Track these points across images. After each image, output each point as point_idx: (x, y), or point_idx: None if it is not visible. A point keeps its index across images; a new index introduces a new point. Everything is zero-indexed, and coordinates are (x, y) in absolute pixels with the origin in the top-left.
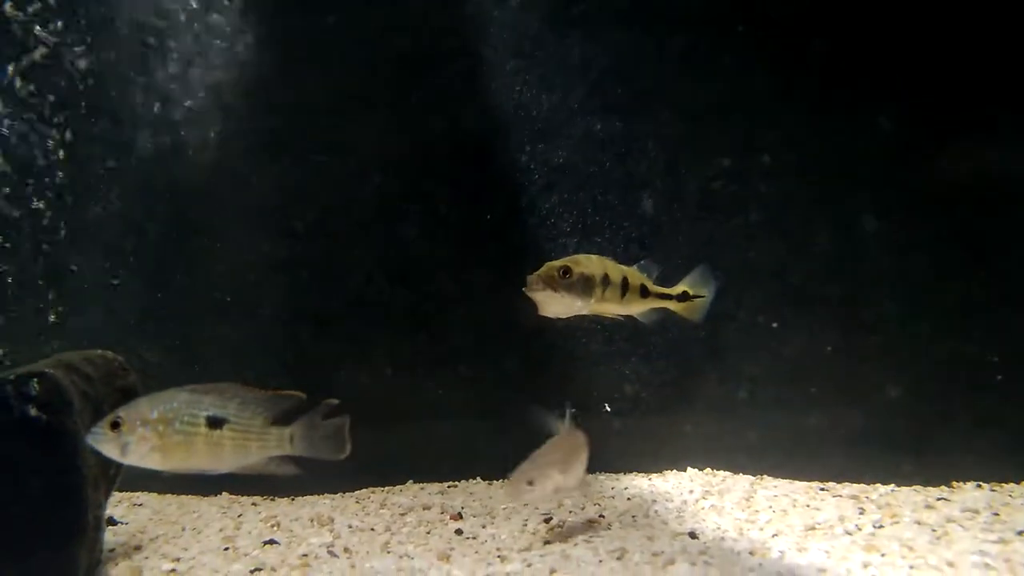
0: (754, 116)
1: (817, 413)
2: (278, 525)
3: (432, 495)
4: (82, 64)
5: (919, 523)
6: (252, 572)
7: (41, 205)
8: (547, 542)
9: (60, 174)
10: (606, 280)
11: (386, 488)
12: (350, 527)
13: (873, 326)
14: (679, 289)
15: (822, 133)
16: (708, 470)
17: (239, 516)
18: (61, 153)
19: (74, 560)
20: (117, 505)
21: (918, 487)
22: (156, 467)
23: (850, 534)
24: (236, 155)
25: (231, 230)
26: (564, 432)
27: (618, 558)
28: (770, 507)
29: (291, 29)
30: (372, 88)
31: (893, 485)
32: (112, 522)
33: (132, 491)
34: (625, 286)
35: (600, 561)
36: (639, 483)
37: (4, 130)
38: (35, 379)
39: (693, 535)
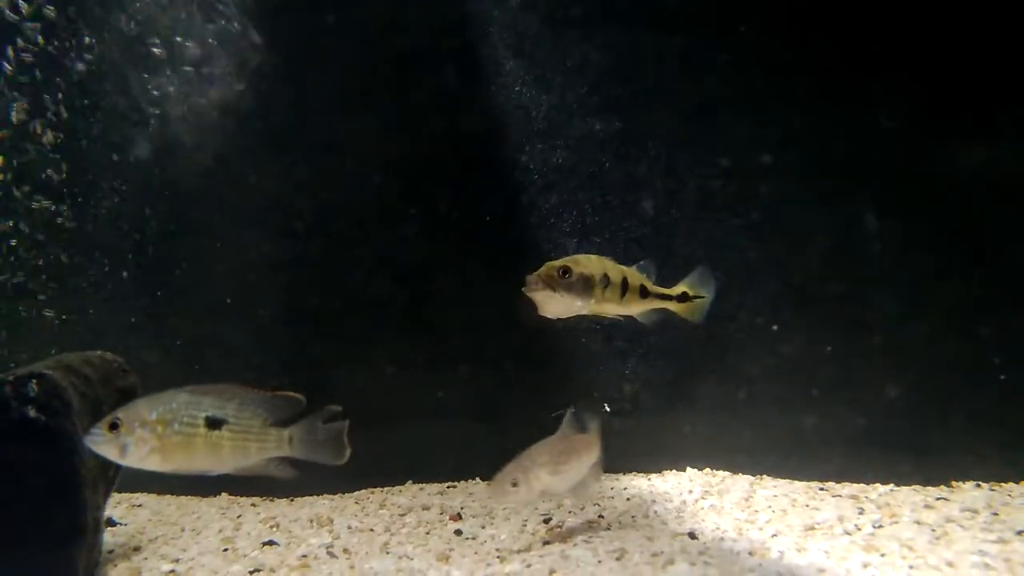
0: (754, 115)
1: (816, 413)
2: (277, 526)
3: (431, 496)
4: (80, 64)
5: (919, 523)
6: (251, 573)
7: (39, 205)
8: (546, 542)
9: (58, 174)
10: (606, 280)
11: (385, 489)
12: (349, 528)
13: (872, 326)
14: (679, 290)
15: (822, 132)
16: (707, 470)
17: (238, 517)
18: (59, 153)
19: (73, 561)
20: (116, 506)
21: (917, 487)
22: (155, 468)
23: (849, 534)
24: (236, 155)
25: (231, 230)
26: (559, 432)
27: (617, 558)
28: (769, 507)
29: (291, 29)
30: (372, 88)
31: (892, 485)
32: (111, 523)
33: (131, 492)
34: (625, 286)
35: (599, 561)
36: (638, 483)
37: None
38: (34, 380)
39: (692, 535)
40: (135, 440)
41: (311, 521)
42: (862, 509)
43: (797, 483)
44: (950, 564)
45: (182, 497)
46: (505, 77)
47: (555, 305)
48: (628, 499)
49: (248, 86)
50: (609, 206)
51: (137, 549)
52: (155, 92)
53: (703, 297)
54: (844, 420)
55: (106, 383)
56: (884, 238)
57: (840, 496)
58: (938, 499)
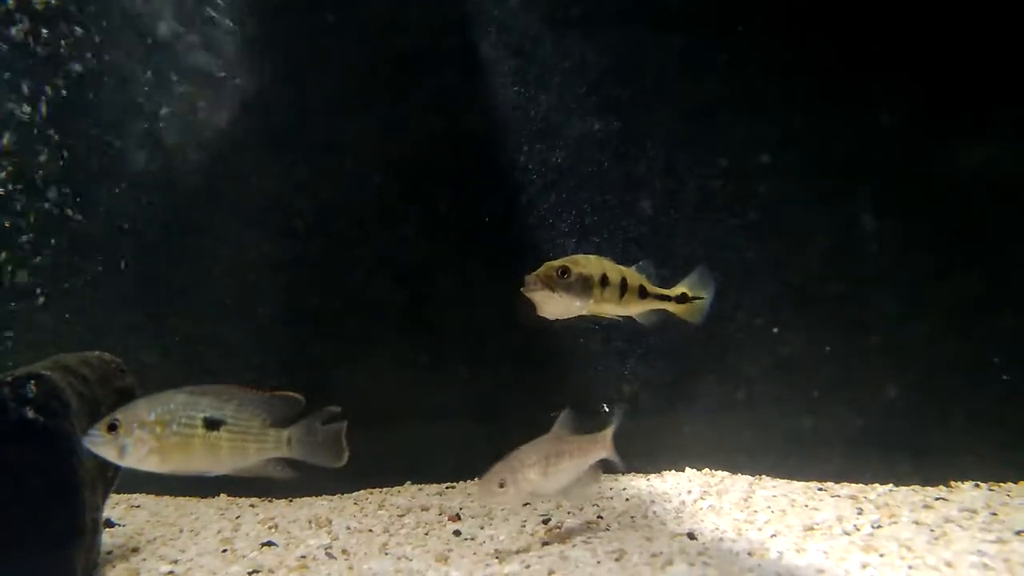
0: (754, 115)
1: (815, 413)
2: (276, 527)
3: (430, 496)
4: (78, 65)
5: (917, 523)
6: (250, 574)
7: (38, 205)
8: (545, 543)
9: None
10: (604, 281)
11: (384, 489)
12: (348, 528)
13: (872, 326)
14: (678, 290)
15: (822, 132)
16: (706, 470)
17: (237, 518)
18: (59, 153)
19: (71, 562)
20: (115, 507)
21: (916, 487)
22: (153, 469)
23: (848, 534)
24: (236, 154)
25: (231, 230)
26: (551, 433)
27: (616, 559)
28: (768, 507)
29: (291, 29)
30: (372, 88)
31: (891, 485)
32: (110, 524)
33: (130, 493)
34: (624, 287)
35: (598, 562)
36: (637, 484)
37: None
38: (32, 381)
39: (691, 536)
40: (133, 441)
41: (310, 522)
42: (861, 509)
43: (796, 483)
44: (949, 564)
45: (180, 498)
46: (505, 77)
47: (554, 305)
48: (627, 500)
49: (248, 86)
50: (608, 206)
51: (135, 550)
52: (155, 92)
53: (702, 298)
54: (843, 420)
55: (104, 384)
56: (884, 238)
57: (839, 496)
58: (937, 499)
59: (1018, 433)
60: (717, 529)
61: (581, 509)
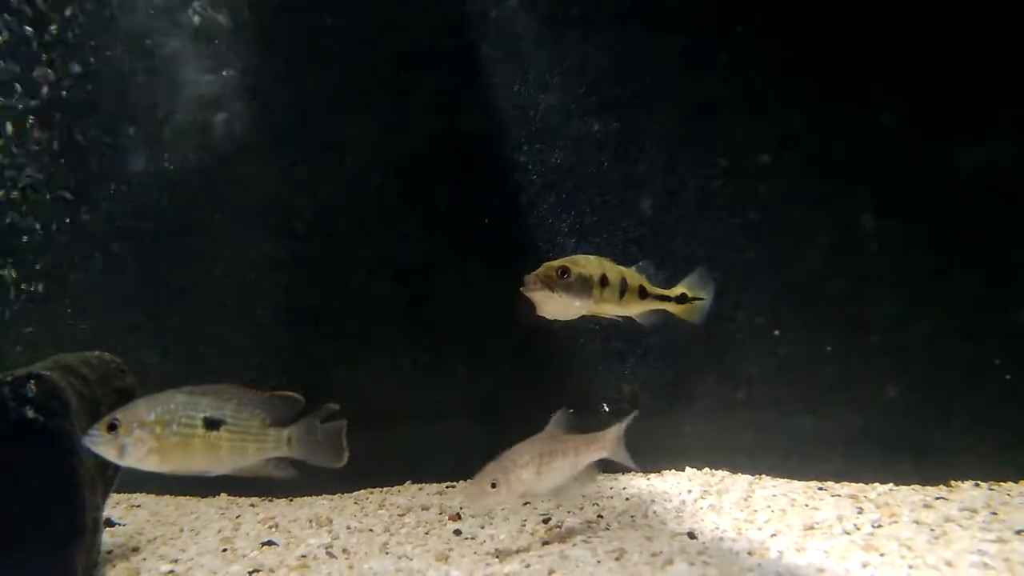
0: (754, 115)
1: (815, 413)
2: (276, 526)
3: (430, 496)
4: (78, 66)
5: (918, 522)
6: (250, 573)
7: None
8: (545, 542)
9: (57, 175)
10: (604, 281)
11: (384, 489)
12: (348, 528)
13: (872, 326)
14: (678, 291)
15: (822, 132)
16: (706, 470)
17: (237, 517)
18: (58, 154)
19: (71, 562)
20: (115, 506)
21: (916, 486)
22: (153, 469)
23: (849, 534)
24: (236, 155)
25: (231, 230)
26: (545, 432)
27: (616, 558)
28: (768, 507)
29: (291, 29)
30: (372, 88)
31: (891, 484)
32: (110, 523)
33: (130, 492)
34: (623, 287)
35: (598, 561)
36: (638, 483)
37: None
38: (32, 381)
39: (692, 535)
40: (133, 441)
41: (310, 521)
42: (861, 509)
43: (796, 483)
44: (949, 564)
45: (181, 497)
46: (505, 77)
47: (554, 305)
48: (627, 499)
49: (248, 86)
50: (608, 206)
51: (136, 549)
52: (155, 92)
53: (702, 298)
54: (843, 420)
55: (104, 383)
56: (884, 238)
57: (839, 496)
58: (937, 499)
59: (1018, 433)
60: (717, 528)
61: (581, 508)
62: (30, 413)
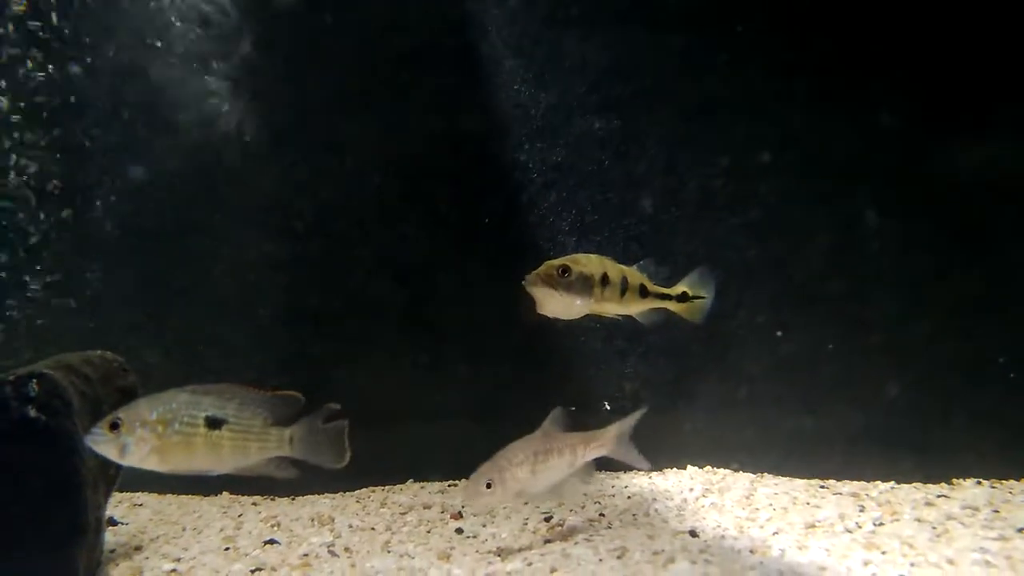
0: (753, 115)
1: (817, 411)
2: (278, 525)
3: (432, 494)
4: (77, 67)
5: (919, 520)
6: (253, 572)
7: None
8: (547, 541)
9: (57, 174)
10: (605, 280)
11: (386, 487)
12: (350, 526)
13: (873, 325)
14: (679, 289)
15: (822, 132)
16: (708, 468)
17: (240, 516)
18: (58, 153)
19: (74, 561)
20: (117, 505)
21: (918, 484)
22: (155, 468)
23: (850, 532)
24: (236, 155)
25: (231, 230)
26: (541, 430)
27: (618, 556)
28: (770, 505)
29: (291, 29)
30: (372, 88)
31: (893, 482)
32: (112, 522)
33: (132, 491)
34: (624, 286)
35: (600, 560)
36: (639, 481)
37: None
38: (34, 380)
39: (693, 533)
40: (135, 440)
41: (312, 520)
42: (863, 507)
43: (798, 481)
44: (951, 562)
45: (183, 496)
46: (505, 76)
47: (555, 304)
48: (629, 497)
49: (248, 86)
50: (609, 205)
51: (139, 548)
52: (155, 91)
53: (703, 297)
54: (844, 418)
55: (106, 383)
56: (884, 237)
57: (841, 494)
58: (939, 496)
59: (1019, 431)
60: (719, 527)
61: (583, 507)
62: (32, 412)
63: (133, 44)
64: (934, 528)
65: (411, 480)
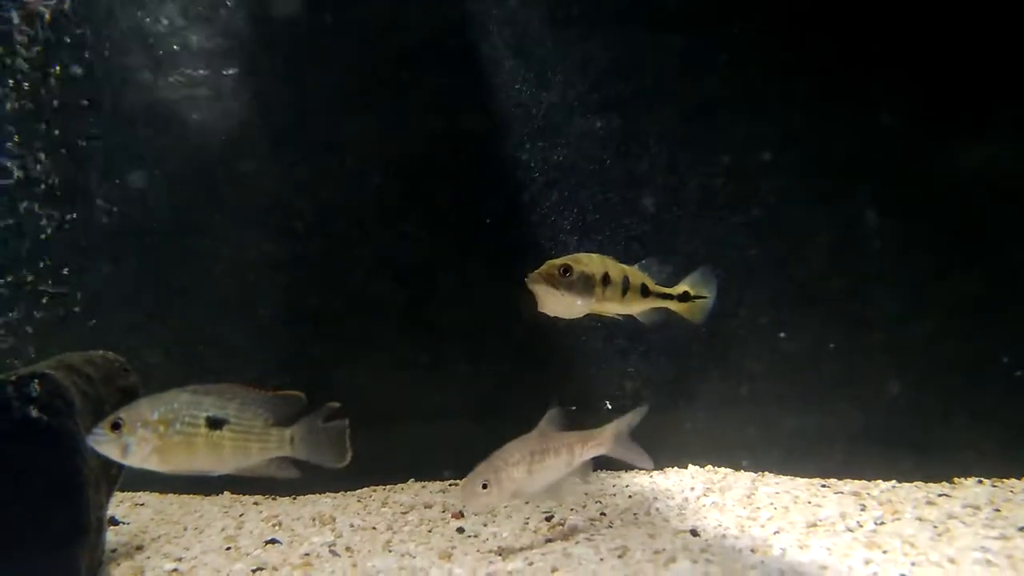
0: (754, 115)
1: (818, 410)
2: (280, 524)
3: (433, 494)
4: (77, 66)
5: (920, 519)
6: (254, 571)
7: (38, 206)
8: (548, 540)
9: (57, 174)
10: (606, 279)
11: (387, 487)
12: (352, 526)
13: (874, 324)
14: (680, 289)
15: (822, 132)
16: (709, 467)
17: (241, 515)
18: (57, 152)
19: (75, 561)
20: (119, 505)
21: (919, 483)
22: (156, 468)
23: (852, 531)
24: (236, 154)
25: (231, 230)
26: (537, 429)
27: (619, 556)
28: (771, 504)
29: (291, 29)
30: (372, 88)
31: (894, 481)
32: (114, 522)
33: (134, 491)
34: (626, 285)
35: (601, 559)
36: (640, 480)
37: None
38: (36, 380)
39: (695, 532)
40: (137, 440)
41: (313, 519)
42: (864, 506)
43: (799, 480)
44: (952, 560)
45: (184, 496)
46: (505, 76)
47: (556, 303)
48: (630, 496)
49: (248, 86)
50: (610, 204)
51: (140, 548)
52: (155, 91)
53: (704, 297)
54: (846, 417)
55: (108, 382)
56: (884, 237)
57: (842, 493)
58: (940, 495)
59: (1020, 430)
60: (720, 526)
61: (584, 506)
62: (34, 412)
63: (133, 44)
64: (935, 527)
65: (412, 479)
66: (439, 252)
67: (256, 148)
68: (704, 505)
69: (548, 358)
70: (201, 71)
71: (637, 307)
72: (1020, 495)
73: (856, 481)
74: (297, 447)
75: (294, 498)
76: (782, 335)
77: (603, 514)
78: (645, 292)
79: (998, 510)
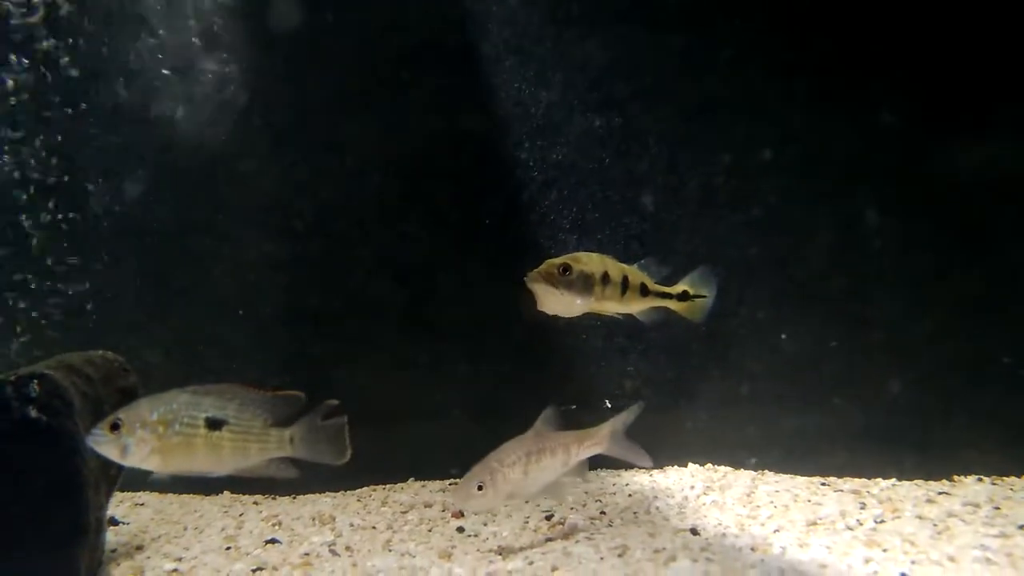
0: (754, 114)
1: (818, 409)
2: (280, 524)
3: (433, 493)
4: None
5: (920, 518)
6: (254, 571)
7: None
8: (548, 539)
9: (57, 173)
10: (606, 278)
11: (387, 486)
12: (351, 525)
13: (874, 323)
14: (679, 288)
15: (823, 131)
16: (709, 466)
17: (241, 515)
18: (57, 152)
19: (75, 561)
20: (119, 505)
21: (919, 481)
22: (156, 469)
23: (851, 529)
24: (236, 155)
25: (231, 230)
26: (533, 429)
27: (619, 555)
28: (771, 503)
29: (291, 28)
30: (372, 88)
31: (894, 480)
32: (114, 522)
33: (134, 491)
34: (625, 284)
35: (601, 558)
36: (640, 479)
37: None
38: (35, 380)
39: (694, 531)
40: (136, 440)
41: (313, 519)
42: (864, 504)
43: (799, 478)
44: (952, 559)
45: (184, 496)
46: (505, 75)
47: (555, 302)
48: (630, 495)
49: (248, 85)
50: (610, 203)
51: (140, 548)
52: (155, 91)
53: (704, 296)
54: (846, 416)
55: (107, 383)
56: (885, 237)
57: (842, 491)
58: (940, 494)
59: (1020, 429)
60: (720, 524)
61: (584, 505)
62: (33, 412)
63: (133, 43)
64: (935, 525)
65: (412, 479)
66: (439, 252)
67: (256, 148)
68: (704, 504)
69: (548, 357)
70: (202, 70)
71: (636, 306)
72: (1020, 493)
73: (856, 479)
74: (297, 447)
75: (294, 498)
76: (782, 334)
77: (603, 513)
78: (644, 291)
79: (998, 508)
